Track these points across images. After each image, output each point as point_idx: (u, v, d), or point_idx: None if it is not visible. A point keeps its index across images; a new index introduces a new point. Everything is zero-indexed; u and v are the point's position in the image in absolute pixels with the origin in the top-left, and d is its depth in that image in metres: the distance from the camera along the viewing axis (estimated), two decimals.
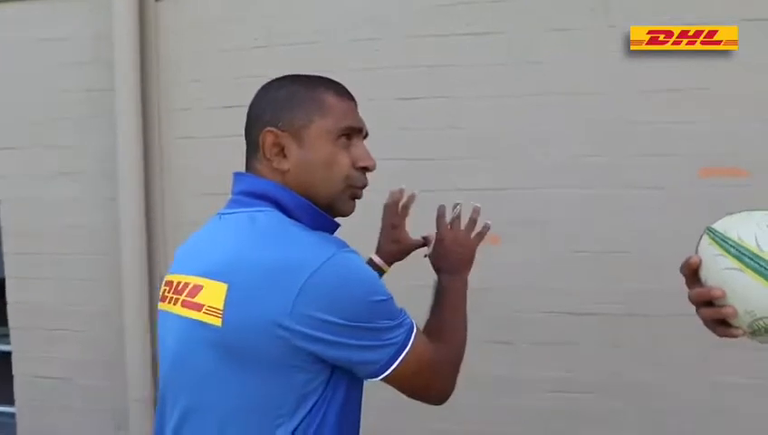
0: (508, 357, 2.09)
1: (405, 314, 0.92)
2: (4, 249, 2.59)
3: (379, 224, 1.21)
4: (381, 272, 1.19)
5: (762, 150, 1.90)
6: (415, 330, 0.92)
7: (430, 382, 0.94)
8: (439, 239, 1.12)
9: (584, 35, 2.00)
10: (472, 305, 1.06)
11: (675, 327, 1.92)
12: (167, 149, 2.39)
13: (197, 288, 0.89)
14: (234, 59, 2.28)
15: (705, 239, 0.82)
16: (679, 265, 0.83)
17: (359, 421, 0.96)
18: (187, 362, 0.91)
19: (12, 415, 2.66)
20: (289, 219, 0.91)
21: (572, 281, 2.03)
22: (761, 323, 0.76)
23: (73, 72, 2.44)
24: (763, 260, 0.75)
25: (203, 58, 2.33)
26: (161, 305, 0.99)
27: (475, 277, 1.10)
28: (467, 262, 1.10)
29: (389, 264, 1.21)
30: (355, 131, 0.96)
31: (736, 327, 0.79)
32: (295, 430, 0.86)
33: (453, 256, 1.09)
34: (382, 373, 0.88)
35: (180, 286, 0.94)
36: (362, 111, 0.99)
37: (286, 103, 0.94)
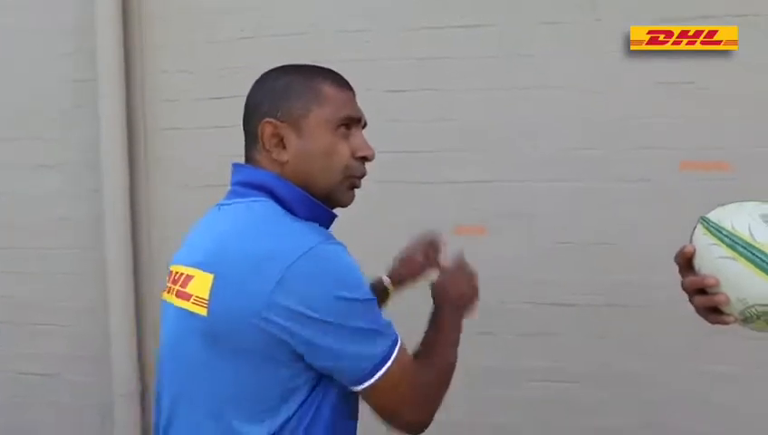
0: (495, 348, 2.10)
1: (391, 326, 0.89)
2: None
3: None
4: (386, 292, 1.18)
5: (762, 151, 1.92)
6: (399, 343, 0.89)
7: (407, 401, 0.89)
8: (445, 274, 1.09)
9: (575, 29, 2.01)
10: None
11: (662, 317, 1.96)
12: (151, 141, 2.35)
13: (189, 278, 0.90)
14: (221, 49, 2.24)
15: (700, 229, 0.84)
16: (666, 257, 0.85)
17: (355, 424, 0.95)
18: (178, 351, 0.92)
19: None
20: (282, 210, 0.90)
21: (560, 272, 2.05)
22: (753, 310, 0.78)
23: (56, 63, 2.38)
24: (756, 249, 0.77)
25: (189, 48, 2.29)
26: (163, 296, 0.99)
27: None
28: (468, 301, 1.06)
29: (396, 284, 1.20)
30: (354, 121, 0.96)
31: (728, 314, 0.81)
32: (284, 425, 0.86)
33: (455, 291, 1.04)
34: (362, 384, 0.85)
35: (177, 276, 0.94)
36: None
37: (284, 94, 0.93)
